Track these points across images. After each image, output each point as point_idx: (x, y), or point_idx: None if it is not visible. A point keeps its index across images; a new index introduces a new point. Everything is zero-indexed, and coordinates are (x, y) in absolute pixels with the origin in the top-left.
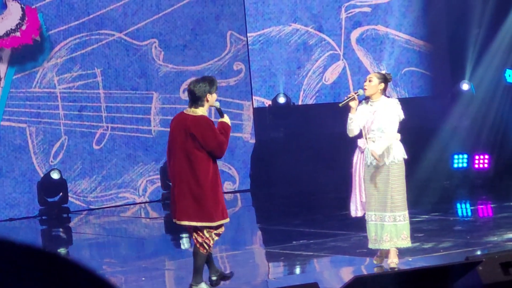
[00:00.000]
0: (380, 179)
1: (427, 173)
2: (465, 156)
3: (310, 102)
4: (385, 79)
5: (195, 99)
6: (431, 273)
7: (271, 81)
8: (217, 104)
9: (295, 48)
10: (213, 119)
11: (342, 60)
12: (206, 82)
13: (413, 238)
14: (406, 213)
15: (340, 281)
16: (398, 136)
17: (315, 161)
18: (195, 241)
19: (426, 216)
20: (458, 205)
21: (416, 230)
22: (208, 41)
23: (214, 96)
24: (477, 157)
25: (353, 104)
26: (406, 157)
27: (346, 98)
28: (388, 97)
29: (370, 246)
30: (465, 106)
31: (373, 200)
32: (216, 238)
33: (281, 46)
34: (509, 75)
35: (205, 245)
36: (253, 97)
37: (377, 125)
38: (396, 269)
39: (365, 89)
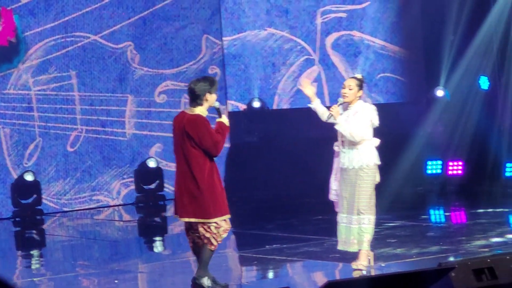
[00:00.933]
0: (350, 183)
1: (401, 179)
2: (439, 162)
3: (285, 106)
4: (361, 84)
5: (194, 98)
6: (404, 278)
7: (246, 85)
8: (217, 105)
9: (270, 52)
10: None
11: (317, 65)
12: (207, 81)
13: (386, 244)
14: (372, 217)
15: (313, 285)
16: (377, 141)
17: (290, 166)
18: (202, 236)
19: (400, 222)
20: (432, 211)
21: (389, 236)
22: (183, 45)
23: (214, 96)
24: (451, 163)
25: (335, 112)
26: (379, 163)
27: (329, 114)
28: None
29: (339, 247)
30: (439, 112)
31: (345, 203)
32: (224, 234)
33: (256, 51)
34: (484, 82)
35: (213, 240)
36: (228, 101)
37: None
38: (362, 272)
39: (345, 96)
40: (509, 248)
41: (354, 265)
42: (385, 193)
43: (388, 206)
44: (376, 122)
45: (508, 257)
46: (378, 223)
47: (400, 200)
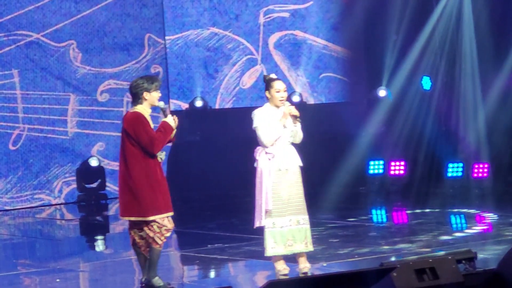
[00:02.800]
0: (294, 183)
1: (343, 179)
2: (381, 162)
3: (227, 106)
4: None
5: (133, 97)
6: (346, 278)
7: (188, 84)
8: (161, 104)
9: (213, 51)
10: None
11: (260, 64)
12: (144, 80)
13: (329, 244)
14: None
15: (254, 285)
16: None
17: (232, 165)
18: (147, 236)
19: (342, 222)
20: (374, 211)
21: (331, 236)
22: (126, 44)
23: (154, 94)
24: (393, 163)
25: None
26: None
27: (294, 113)
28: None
29: (284, 252)
30: (382, 112)
31: (288, 205)
32: (167, 234)
33: (199, 50)
34: (426, 82)
35: (157, 239)
36: (170, 100)
37: (286, 130)
38: (309, 274)
39: (284, 100)
40: (450, 248)
41: (303, 269)
42: (327, 193)
43: (330, 206)
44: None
45: (449, 257)
46: (320, 223)
47: (342, 200)
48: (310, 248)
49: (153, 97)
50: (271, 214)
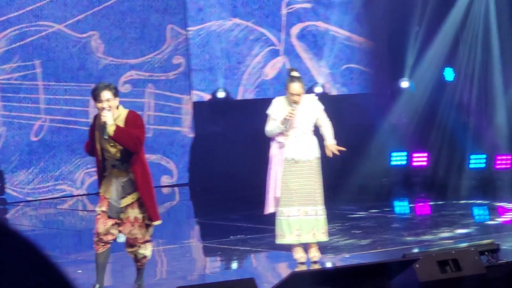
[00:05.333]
0: (307, 174)
1: (365, 170)
2: (404, 153)
3: (249, 97)
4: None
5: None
6: (368, 270)
7: (210, 75)
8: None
9: (235, 43)
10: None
11: (282, 55)
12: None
13: (351, 235)
14: (324, 207)
15: (277, 276)
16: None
17: (254, 156)
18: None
19: (364, 213)
20: (396, 203)
21: (354, 227)
22: (148, 35)
23: (98, 105)
24: (415, 154)
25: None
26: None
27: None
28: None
29: (290, 241)
30: (404, 103)
31: (295, 195)
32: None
33: (221, 41)
34: (448, 73)
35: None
36: (193, 91)
37: (300, 122)
38: (329, 265)
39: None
40: (473, 239)
41: (313, 258)
42: (350, 184)
43: (353, 197)
44: (322, 106)
45: (472, 249)
46: (343, 214)
47: (365, 191)
48: (320, 238)
49: (98, 106)
50: (279, 202)
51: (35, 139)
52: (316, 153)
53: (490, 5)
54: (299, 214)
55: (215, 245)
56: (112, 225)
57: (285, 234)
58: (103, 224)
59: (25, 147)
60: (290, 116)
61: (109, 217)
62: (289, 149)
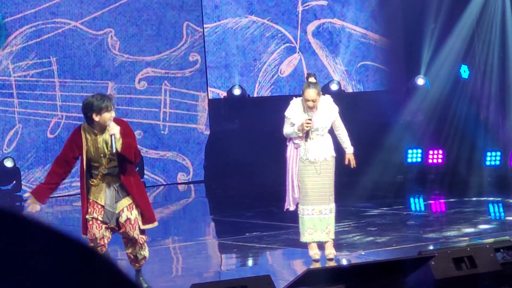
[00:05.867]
0: (324, 173)
1: (381, 167)
2: (419, 151)
3: (266, 94)
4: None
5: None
6: (384, 267)
7: (226, 72)
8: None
9: (251, 40)
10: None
11: (298, 53)
12: (93, 101)
13: (367, 232)
14: (335, 205)
15: (293, 273)
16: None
17: (269, 153)
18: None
19: (380, 210)
20: (412, 200)
21: (369, 224)
22: (164, 32)
23: (104, 116)
24: (431, 152)
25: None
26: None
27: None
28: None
29: (304, 239)
30: (420, 101)
31: (311, 194)
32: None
33: (237, 38)
34: (464, 71)
35: None
36: (209, 89)
37: (318, 124)
38: (344, 262)
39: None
40: (488, 237)
41: (328, 255)
42: (365, 181)
43: (368, 195)
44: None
45: (487, 246)
46: (358, 212)
47: (380, 188)
48: (332, 236)
49: (103, 118)
50: (298, 201)
51: (51, 136)
52: (332, 152)
53: (506, 2)
54: (313, 213)
55: (230, 242)
56: (106, 228)
57: (302, 232)
58: (98, 229)
59: (41, 144)
60: (307, 127)
61: (103, 222)
62: (304, 150)
